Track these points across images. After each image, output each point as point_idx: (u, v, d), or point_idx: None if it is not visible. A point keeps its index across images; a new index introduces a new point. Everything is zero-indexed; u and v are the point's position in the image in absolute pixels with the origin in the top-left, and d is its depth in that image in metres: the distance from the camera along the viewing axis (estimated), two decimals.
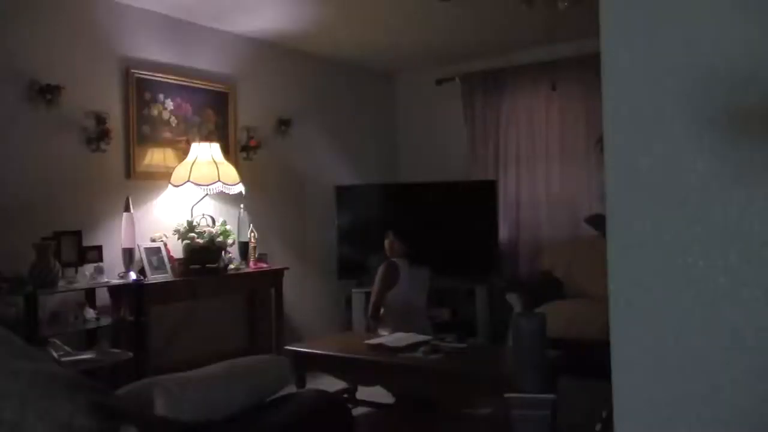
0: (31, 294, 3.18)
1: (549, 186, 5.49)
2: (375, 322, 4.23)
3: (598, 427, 1.75)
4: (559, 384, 2.93)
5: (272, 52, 5.10)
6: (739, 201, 0.81)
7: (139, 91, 4.16)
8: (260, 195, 4.85)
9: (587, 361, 2.99)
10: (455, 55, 5.68)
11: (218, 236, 4.15)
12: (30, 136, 3.65)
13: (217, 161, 4.22)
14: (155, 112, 4.27)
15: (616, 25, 0.88)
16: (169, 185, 4.19)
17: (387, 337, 3.69)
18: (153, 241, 4.06)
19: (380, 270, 4.27)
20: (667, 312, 0.85)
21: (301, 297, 5.15)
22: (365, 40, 5.18)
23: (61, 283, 3.42)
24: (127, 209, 3.87)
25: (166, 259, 4.02)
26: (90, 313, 3.57)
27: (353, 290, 5.26)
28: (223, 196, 4.46)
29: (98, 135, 3.91)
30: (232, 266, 4.33)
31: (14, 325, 2.90)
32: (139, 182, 4.15)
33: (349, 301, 5.37)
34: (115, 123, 4.02)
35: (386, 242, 4.38)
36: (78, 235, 3.66)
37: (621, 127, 0.88)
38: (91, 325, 3.58)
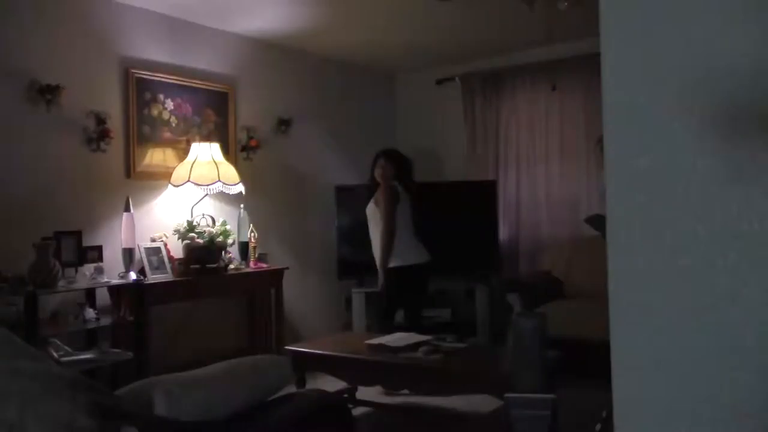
0: (31, 294, 3.18)
1: (549, 186, 5.49)
2: (389, 249, 4.24)
3: (598, 427, 1.75)
4: (559, 384, 2.93)
5: (272, 52, 5.10)
6: (739, 201, 0.81)
7: (139, 91, 4.16)
8: (260, 195, 4.85)
9: (587, 361, 2.99)
10: (455, 55, 5.68)
11: (218, 236, 4.15)
12: (30, 136, 3.65)
13: (217, 161, 4.22)
14: (155, 112, 4.27)
15: (616, 25, 0.88)
16: (169, 185, 4.20)
17: (387, 337, 3.69)
18: (153, 241, 4.06)
19: (384, 194, 4.31)
20: (667, 312, 0.85)
21: (301, 297, 5.15)
22: (365, 40, 5.18)
23: (61, 283, 3.42)
24: (127, 209, 3.87)
25: (166, 259, 4.02)
26: (90, 313, 3.57)
27: (353, 290, 5.26)
28: (223, 196, 4.46)
29: (98, 135, 3.91)
30: (232, 266, 4.33)
31: (14, 325, 2.90)
32: (139, 182, 4.15)
33: (349, 301, 5.37)
34: (115, 123, 4.03)
35: (377, 169, 4.43)
36: (78, 235, 3.66)
37: (621, 127, 0.88)
38: (91, 325, 3.58)
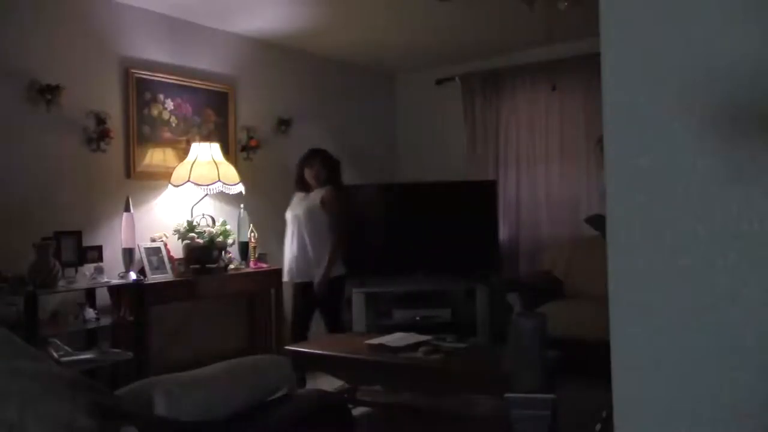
0: (31, 294, 3.18)
1: (549, 186, 5.48)
2: (339, 256, 4.28)
3: (598, 427, 1.76)
4: (559, 384, 2.93)
5: (272, 52, 5.10)
6: (738, 201, 0.81)
7: (139, 91, 4.16)
8: (260, 195, 4.85)
9: (587, 361, 2.99)
10: (455, 55, 5.68)
11: (218, 236, 4.15)
12: (30, 136, 3.65)
13: (217, 161, 4.22)
14: (155, 112, 4.27)
15: (616, 25, 0.88)
16: (169, 185, 4.19)
17: (387, 337, 3.69)
18: (153, 241, 4.06)
19: (334, 197, 4.29)
20: (667, 312, 0.85)
21: None
22: (365, 40, 5.17)
23: (61, 283, 3.42)
24: (127, 209, 3.87)
25: (166, 259, 4.02)
26: (90, 313, 3.57)
27: (353, 290, 5.25)
28: (223, 196, 4.46)
29: (98, 135, 3.91)
30: (232, 266, 4.33)
31: (14, 325, 2.90)
32: (139, 182, 4.15)
33: (349, 302, 5.36)
34: (115, 123, 4.03)
35: (309, 170, 4.37)
36: (78, 235, 3.66)
37: (621, 127, 0.88)
38: (91, 325, 3.58)
